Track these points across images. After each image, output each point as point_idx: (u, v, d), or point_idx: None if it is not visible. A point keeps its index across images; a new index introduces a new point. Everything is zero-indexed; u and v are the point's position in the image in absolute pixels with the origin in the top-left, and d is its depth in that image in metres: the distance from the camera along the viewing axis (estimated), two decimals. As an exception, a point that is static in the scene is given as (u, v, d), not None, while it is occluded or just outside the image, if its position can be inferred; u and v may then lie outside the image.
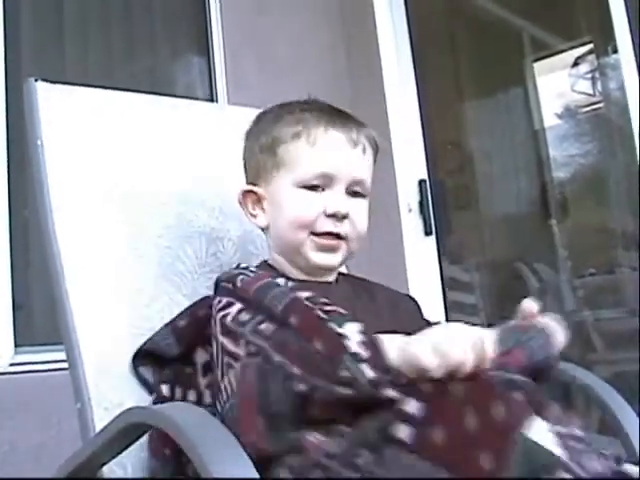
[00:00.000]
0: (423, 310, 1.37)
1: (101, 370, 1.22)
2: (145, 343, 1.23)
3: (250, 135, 1.31)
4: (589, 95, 4.64)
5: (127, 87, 1.48)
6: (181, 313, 1.27)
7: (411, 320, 1.30)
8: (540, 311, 1.27)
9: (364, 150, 1.25)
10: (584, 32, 4.48)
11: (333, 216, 1.21)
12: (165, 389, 1.20)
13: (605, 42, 3.92)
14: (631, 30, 2.61)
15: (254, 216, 1.29)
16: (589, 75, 4.62)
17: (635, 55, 2.60)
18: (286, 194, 1.23)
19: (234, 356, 1.07)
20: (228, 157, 1.54)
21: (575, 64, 4.59)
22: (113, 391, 1.21)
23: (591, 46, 4.52)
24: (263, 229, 1.31)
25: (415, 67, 3.15)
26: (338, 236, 1.23)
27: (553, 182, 4.74)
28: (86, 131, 1.38)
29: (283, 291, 1.09)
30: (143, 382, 1.23)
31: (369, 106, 3.10)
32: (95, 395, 1.19)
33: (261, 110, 1.35)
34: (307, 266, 1.25)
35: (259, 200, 1.28)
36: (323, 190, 1.22)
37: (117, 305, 1.29)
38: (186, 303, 1.30)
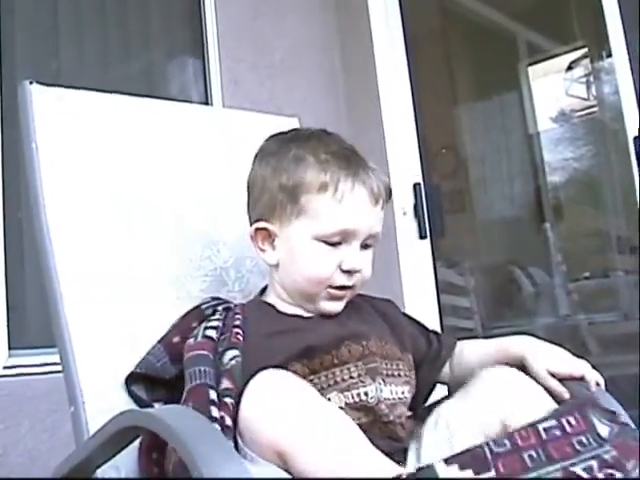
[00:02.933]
0: (407, 312, 1.42)
1: (95, 373, 1.22)
2: (140, 363, 1.23)
3: (265, 165, 1.28)
4: (583, 99, 4.65)
5: (122, 89, 1.48)
6: (173, 327, 1.27)
7: (400, 324, 1.35)
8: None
9: (383, 205, 1.28)
10: (578, 36, 4.50)
11: (348, 272, 1.24)
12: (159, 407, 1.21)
13: (599, 46, 3.94)
14: (625, 34, 2.62)
15: (263, 251, 1.29)
16: (583, 79, 4.64)
17: (629, 59, 2.60)
18: (304, 245, 1.23)
19: None
20: (223, 160, 1.54)
21: (569, 68, 4.61)
22: (107, 394, 1.20)
23: (585, 50, 4.54)
24: (269, 264, 1.30)
25: (410, 70, 3.15)
26: (349, 287, 1.26)
27: (547, 186, 4.76)
28: (81, 134, 1.38)
29: (201, 372, 1.13)
30: (136, 401, 1.23)
31: (364, 110, 3.10)
32: (89, 398, 1.19)
33: (274, 136, 1.32)
34: (312, 309, 1.27)
35: (270, 236, 1.27)
36: (339, 244, 1.23)
37: (111, 308, 1.28)
38: (181, 306, 1.30)
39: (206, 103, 2.85)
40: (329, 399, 1.15)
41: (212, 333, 1.20)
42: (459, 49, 4.88)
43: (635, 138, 2.57)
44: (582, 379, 1.23)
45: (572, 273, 4.36)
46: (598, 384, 1.23)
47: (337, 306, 1.27)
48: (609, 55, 2.79)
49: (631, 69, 2.60)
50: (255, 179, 1.29)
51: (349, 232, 1.22)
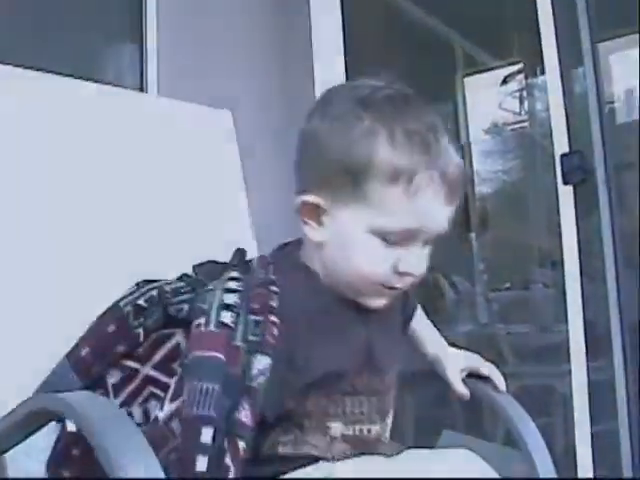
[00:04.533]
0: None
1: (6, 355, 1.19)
2: (43, 384, 1.08)
3: (328, 126, 1.07)
4: (515, 113, 4.73)
5: (51, 69, 1.44)
6: (86, 334, 1.09)
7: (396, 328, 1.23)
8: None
9: (455, 200, 1.07)
10: (515, 52, 4.58)
11: (402, 274, 1.05)
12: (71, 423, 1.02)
13: (534, 63, 4.01)
14: (559, 53, 2.68)
15: (306, 225, 1.07)
16: (517, 94, 4.72)
17: (561, 77, 2.66)
18: (357, 236, 1.03)
19: None
20: (151, 150, 1.52)
21: (504, 82, 4.69)
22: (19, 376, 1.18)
23: (521, 66, 4.62)
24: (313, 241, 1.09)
25: (347, 74, 3.17)
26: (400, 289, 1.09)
27: (475, 196, 4.83)
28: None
29: (202, 392, 0.89)
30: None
31: (300, 115, 3.10)
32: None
33: (344, 86, 1.17)
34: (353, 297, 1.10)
35: (317, 209, 1.06)
36: (400, 243, 1.04)
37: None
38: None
39: (141, 90, 2.81)
40: (328, 427, 1.04)
41: (228, 317, 0.96)
42: (397, 55, 4.92)
43: (562, 156, 2.63)
44: (487, 378, 1.29)
45: (493, 283, 4.43)
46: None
47: (382, 303, 1.09)
48: (543, 72, 2.84)
49: (562, 88, 2.65)
50: (313, 135, 1.08)
51: (415, 232, 1.04)
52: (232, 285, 1.00)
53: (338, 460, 1.03)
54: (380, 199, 1.01)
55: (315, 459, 1.02)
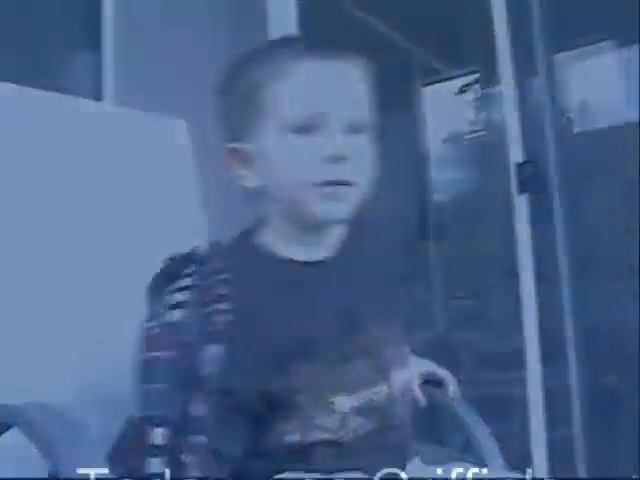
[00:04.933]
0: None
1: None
2: None
3: (223, 91, 1.14)
4: (473, 122, 4.77)
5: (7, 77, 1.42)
6: (117, 453, 0.97)
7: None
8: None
9: (350, 79, 1.08)
10: (472, 61, 4.62)
11: (331, 160, 1.03)
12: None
13: (490, 72, 4.05)
14: (514, 63, 2.71)
15: (242, 177, 1.08)
16: (474, 103, 4.76)
17: (516, 88, 2.69)
18: (274, 144, 1.05)
19: None
20: (106, 158, 1.50)
21: (461, 91, 4.73)
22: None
23: (477, 75, 4.66)
24: (254, 194, 1.09)
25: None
26: (341, 183, 1.04)
27: (433, 205, 4.86)
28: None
29: (149, 392, 0.89)
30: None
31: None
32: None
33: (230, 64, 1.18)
34: (312, 225, 1.07)
35: (245, 158, 1.07)
36: (316, 132, 1.04)
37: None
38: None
39: (98, 99, 2.79)
40: (331, 402, 0.99)
41: (177, 315, 0.95)
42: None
43: (517, 165, 2.66)
44: (441, 383, 1.32)
45: (451, 291, 4.47)
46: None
47: (337, 210, 1.06)
48: (499, 82, 2.87)
49: (517, 98, 2.69)
50: (219, 114, 1.14)
51: (315, 114, 1.04)
52: (182, 284, 0.99)
53: (355, 439, 1.00)
54: (270, 100, 1.05)
55: (327, 443, 0.99)
